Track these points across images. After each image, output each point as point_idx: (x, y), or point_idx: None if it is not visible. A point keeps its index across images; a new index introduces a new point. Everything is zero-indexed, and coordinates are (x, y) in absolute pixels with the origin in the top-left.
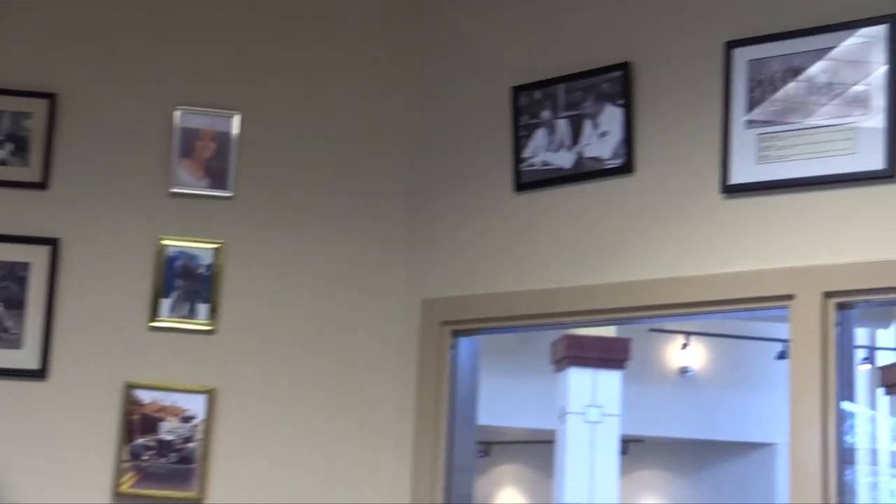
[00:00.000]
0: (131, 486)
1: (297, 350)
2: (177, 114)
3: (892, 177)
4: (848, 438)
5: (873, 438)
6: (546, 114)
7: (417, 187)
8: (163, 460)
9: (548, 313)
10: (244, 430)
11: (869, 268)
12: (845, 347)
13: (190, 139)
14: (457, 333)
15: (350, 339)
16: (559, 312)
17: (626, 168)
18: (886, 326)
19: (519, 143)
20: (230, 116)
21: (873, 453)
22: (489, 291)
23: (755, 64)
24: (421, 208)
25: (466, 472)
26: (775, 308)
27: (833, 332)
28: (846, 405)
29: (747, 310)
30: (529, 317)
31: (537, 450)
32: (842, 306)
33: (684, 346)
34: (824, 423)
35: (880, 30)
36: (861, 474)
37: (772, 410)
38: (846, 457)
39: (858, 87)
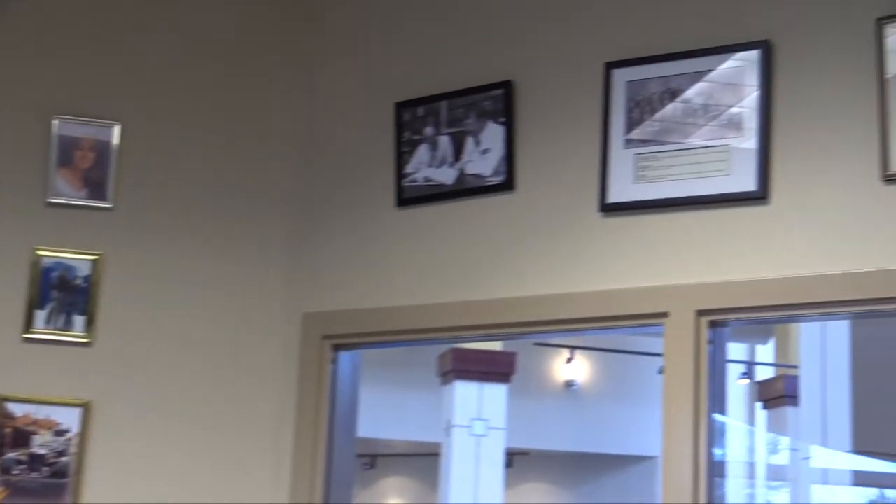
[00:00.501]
0: (1, 502)
1: (174, 363)
2: (55, 122)
3: (763, 198)
4: (719, 452)
5: (751, 452)
6: (429, 130)
7: (299, 201)
8: (35, 475)
9: (428, 328)
10: (119, 445)
11: (740, 287)
12: (717, 364)
13: (68, 148)
14: (337, 347)
15: (229, 352)
16: (439, 328)
17: (507, 185)
18: (765, 342)
19: (401, 158)
20: (110, 126)
21: (751, 466)
22: (370, 306)
23: (634, 85)
24: (303, 222)
25: (345, 485)
26: (651, 325)
27: (705, 349)
28: (718, 419)
29: (624, 327)
30: (410, 332)
31: (423, 462)
32: (714, 324)
33: (569, 360)
34: (696, 436)
35: (754, 54)
36: (733, 486)
37: (653, 424)
38: (717, 469)
39: (733, 110)
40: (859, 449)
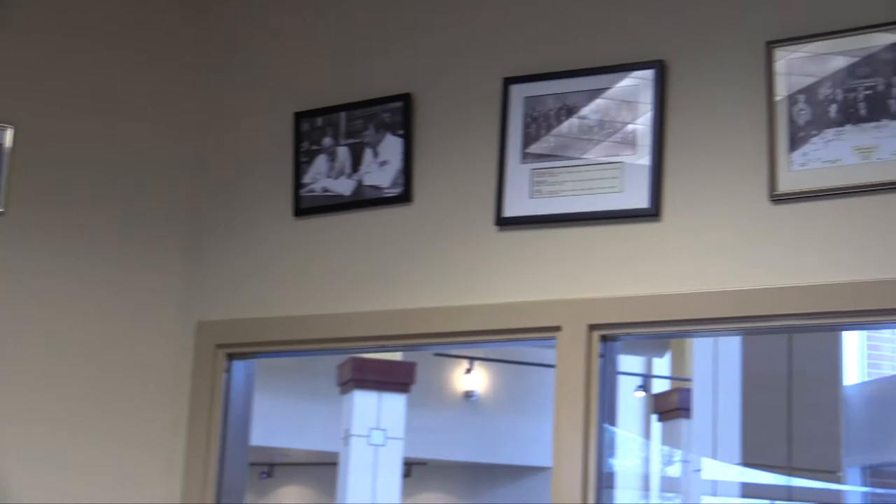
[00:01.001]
0: None
1: (66, 370)
2: None
3: (655, 215)
4: (615, 462)
5: (646, 463)
6: (327, 141)
7: (196, 210)
8: None
9: (323, 338)
10: (7, 452)
11: (632, 302)
12: (608, 377)
13: None
14: (232, 356)
15: (122, 360)
16: (334, 338)
17: (404, 197)
18: (661, 356)
19: (299, 168)
20: (3, 130)
21: (646, 478)
22: (266, 315)
23: (531, 100)
24: (200, 231)
25: (237, 493)
26: (543, 339)
27: (597, 363)
28: (609, 431)
29: (517, 340)
30: (305, 342)
31: (321, 472)
32: (606, 338)
33: (468, 370)
34: (585, 448)
35: (649, 74)
36: (627, 497)
37: (550, 435)
38: (607, 481)
39: (628, 128)
40: (747, 461)
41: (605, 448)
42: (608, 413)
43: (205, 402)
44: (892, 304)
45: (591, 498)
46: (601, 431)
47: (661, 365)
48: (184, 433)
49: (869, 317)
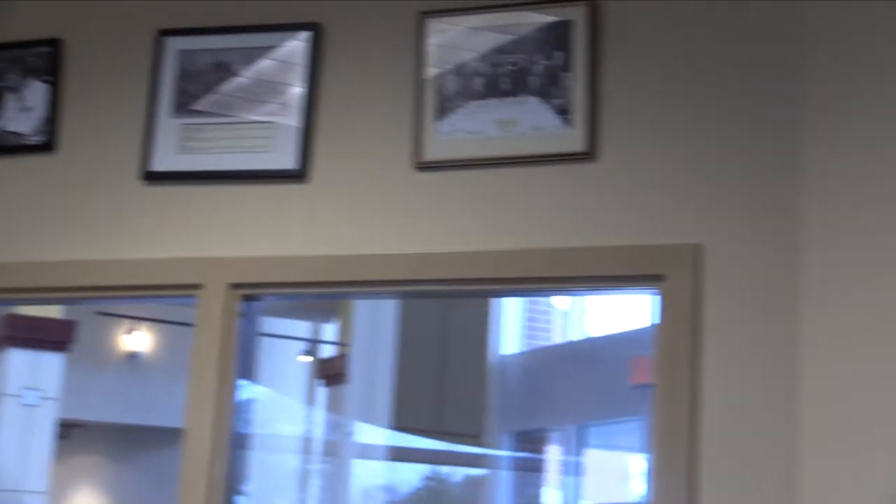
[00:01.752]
0: None
1: None
2: None
3: (302, 177)
4: (244, 423)
5: (309, 428)
6: None
7: None
8: None
9: None
10: None
11: (274, 262)
12: (249, 337)
13: None
14: None
15: None
16: None
17: (47, 146)
18: (328, 321)
19: None
20: None
21: (307, 442)
22: None
23: (186, 55)
24: None
25: None
26: (185, 296)
27: (236, 322)
28: (246, 392)
29: (159, 297)
30: None
31: None
32: (248, 297)
33: (130, 330)
34: (218, 409)
35: (305, 35)
36: (287, 461)
37: None
38: (240, 441)
39: (282, 89)
40: (400, 426)
41: (240, 409)
42: (247, 373)
43: None
44: (527, 273)
45: (222, 458)
46: (236, 392)
47: (331, 331)
48: None
49: (506, 284)
